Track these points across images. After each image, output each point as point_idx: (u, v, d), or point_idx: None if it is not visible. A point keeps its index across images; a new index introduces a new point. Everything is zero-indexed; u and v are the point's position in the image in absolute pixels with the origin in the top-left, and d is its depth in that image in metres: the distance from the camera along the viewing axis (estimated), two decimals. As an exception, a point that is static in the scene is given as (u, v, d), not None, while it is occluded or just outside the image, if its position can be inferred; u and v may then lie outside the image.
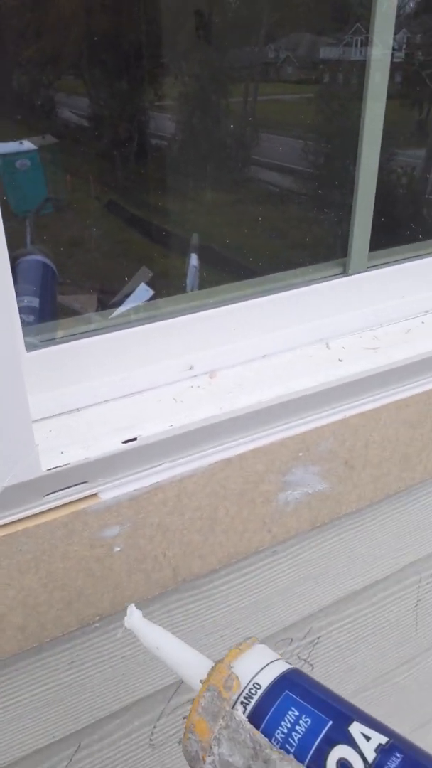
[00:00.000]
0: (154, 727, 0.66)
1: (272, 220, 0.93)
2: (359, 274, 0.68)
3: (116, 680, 0.59)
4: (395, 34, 0.65)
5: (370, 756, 0.28)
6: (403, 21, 0.78)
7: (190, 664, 0.35)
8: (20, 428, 0.44)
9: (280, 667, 0.33)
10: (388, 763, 0.27)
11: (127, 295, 0.86)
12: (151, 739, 0.67)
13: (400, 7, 0.63)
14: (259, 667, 0.33)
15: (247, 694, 0.32)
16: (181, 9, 0.92)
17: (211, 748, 0.30)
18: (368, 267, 0.69)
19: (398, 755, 0.28)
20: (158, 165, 1.02)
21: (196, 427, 0.52)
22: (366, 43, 0.66)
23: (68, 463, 0.47)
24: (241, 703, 0.31)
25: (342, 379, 0.57)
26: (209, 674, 0.32)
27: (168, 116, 1.02)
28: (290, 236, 0.90)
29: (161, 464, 0.53)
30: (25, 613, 0.50)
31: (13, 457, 0.44)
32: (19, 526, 0.47)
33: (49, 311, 0.76)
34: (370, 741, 0.28)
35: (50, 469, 0.46)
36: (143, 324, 0.57)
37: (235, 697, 0.31)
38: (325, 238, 0.79)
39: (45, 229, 0.90)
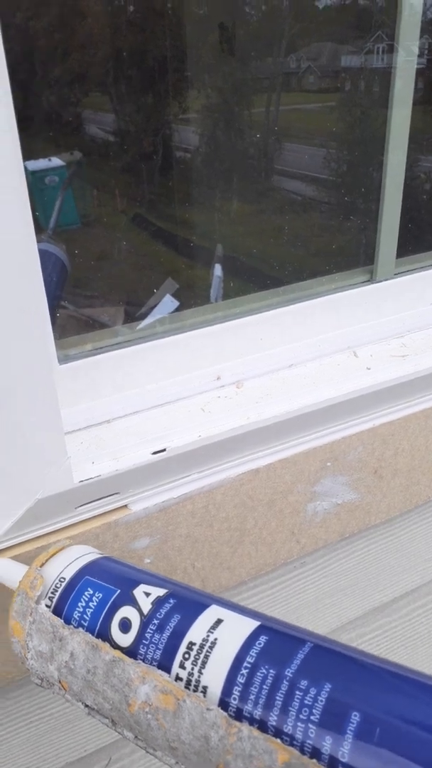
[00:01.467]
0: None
1: (296, 229, 0.93)
2: (386, 281, 0.67)
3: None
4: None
5: (147, 609, 0.32)
6: (424, 26, 0.78)
7: (18, 580, 0.37)
8: (53, 441, 0.45)
9: (87, 558, 0.37)
10: (161, 609, 0.32)
11: (153, 307, 0.87)
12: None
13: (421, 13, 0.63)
14: (66, 564, 0.36)
15: (53, 588, 0.35)
16: (204, 23, 0.93)
17: (27, 644, 0.33)
18: (395, 274, 0.69)
19: (171, 601, 0.32)
20: (182, 177, 1.03)
21: (223, 438, 0.52)
22: (388, 50, 0.66)
23: (99, 475, 0.48)
24: (49, 597, 0.35)
25: (370, 388, 0.57)
26: (20, 582, 0.36)
27: (192, 129, 1.03)
28: (315, 245, 0.90)
29: (190, 475, 0.53)
30: (57, 622, 0.50)
31: (46, 469, 0.45)
32: (51, 539, 0.48)
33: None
34: (149, 596, 0.33)
35: (82, 481, 0.47)
36: (170, 335, 0.58)
37: (38, 593, 0.35)
38: (350, 245, 0.79)
39: (72, 243, 0.92)
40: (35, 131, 0.84)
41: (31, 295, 0.40)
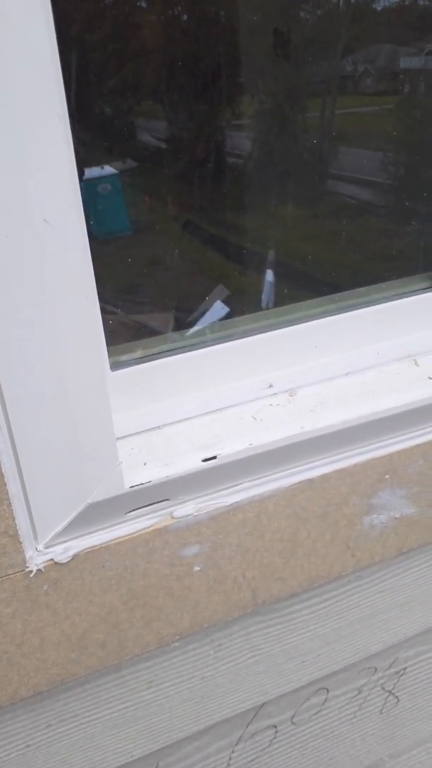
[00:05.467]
0: (232, 752, 0.64)
1: (352, 234, 0.91)
2: (447, 287, 0.65)
3: (195, 701, 0.59)
4: None
5: None
6: None
7: None
8: (105, 446, 0.45)
9: None
10: None
11: (203, 313, 0.86)
12: (229, 765, 0.65)
13: None
14: None
15: None
16: (258, 29, 0.92)
17: None
18: (457, 279, 0.66)
19: None
20: (235, 183, 1.02)
21: (276, 447, 0.51)
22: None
23: (150, 481, 0.47)
24: None
25: None
26: None
27: (245, 134, 1.03)
28: (371, 250, 0.88)
29: (241, 483, 0.52)
30: (106, 630, 0.50)
31: (98, 474, 0.45)
32: (102, 543, 0.48)
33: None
34: None
35: (133, 487, 0.47)
36: (221, 342, 0.57)
37: None
38: (409, 251, 0.77)
39: (124, 250, 0.93)
40: (88, 140, 0.85)
41: (86, 303, 0.40)
